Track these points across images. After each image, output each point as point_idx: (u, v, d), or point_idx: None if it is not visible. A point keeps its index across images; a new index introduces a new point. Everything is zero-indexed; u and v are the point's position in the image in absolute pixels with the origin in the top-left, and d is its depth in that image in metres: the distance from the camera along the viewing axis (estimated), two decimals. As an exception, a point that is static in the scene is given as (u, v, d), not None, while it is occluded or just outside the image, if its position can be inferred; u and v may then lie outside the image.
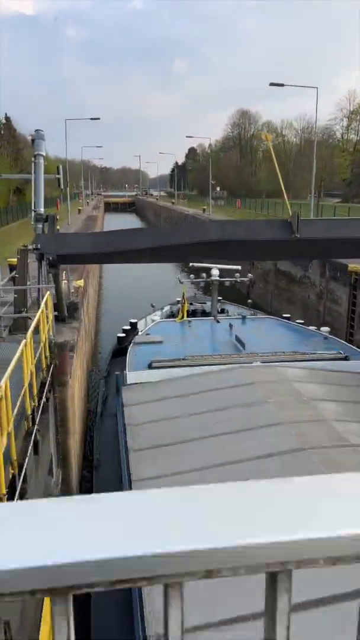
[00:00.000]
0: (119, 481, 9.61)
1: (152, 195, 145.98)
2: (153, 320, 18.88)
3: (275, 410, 10.37)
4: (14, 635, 4.49)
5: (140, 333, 17.15)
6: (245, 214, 55.98)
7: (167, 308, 20.74)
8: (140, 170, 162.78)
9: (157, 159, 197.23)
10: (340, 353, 14.73)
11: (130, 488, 8.79)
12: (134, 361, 14.29)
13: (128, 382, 13.11)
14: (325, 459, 8.42)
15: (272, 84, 30.65)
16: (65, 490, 11.11)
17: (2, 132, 68.05)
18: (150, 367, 13.65)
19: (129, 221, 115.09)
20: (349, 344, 16.69)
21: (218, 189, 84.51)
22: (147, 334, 16.84)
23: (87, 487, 13.03)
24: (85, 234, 14.68)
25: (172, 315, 19.68)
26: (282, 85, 31.43)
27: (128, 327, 18.69)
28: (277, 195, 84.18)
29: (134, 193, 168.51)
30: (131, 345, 15.82)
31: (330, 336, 16.73)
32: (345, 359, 14.42)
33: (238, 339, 15.61)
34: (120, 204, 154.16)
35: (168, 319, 19.10)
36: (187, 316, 18.51)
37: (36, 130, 13.84)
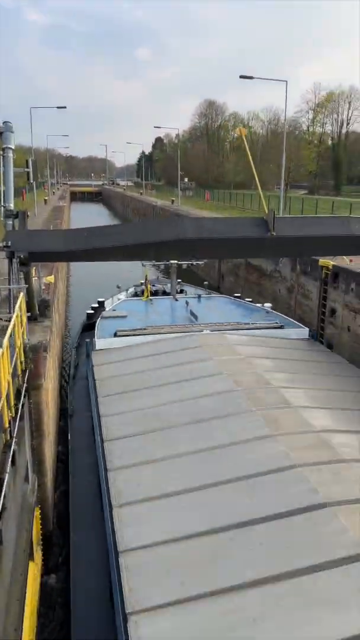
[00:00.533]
0: (91, 424, 11.97)
1: (119, 185, 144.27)
2: (119, 299, 21.05)
3: (217, 365, 12.89)
4: None
5: (107, 310, 19.23)
6: (215, 206, 55.96)
7: (131, 289, 22.78)
8: (106, 159, 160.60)
9: (123, 148, 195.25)
10: (277, 323, 17.65)
11: (100, 426, 11.04)
12: (102, 331, 16.51)
13: (96, 348, 15.41)
14: (252, 397, 11.06)
15: (242, 77, 30.48)
16: (41, 496, 10.85)
17: (-36, 118, 65.86)
18: (115, 335, 15.89)
19: (96, 211, 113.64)
20: (286, 317, 19.31)
21: (186, 179, 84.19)
22: (114, 310, 19.08)
23: (63, 490, 12.80)
24: (57, 230, 14.28)
25: (136, 295, 21.88)
26: (251, 77, 31.31)
27: (96, 305, 20.72)
28: (244, 187, 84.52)
29: (100, 182, 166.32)
30: (99, 319, 17.96)
31: (272, 311, 19.68)
32: (281, 327, 17.34)
33: (192, 313, 18.16)
34: (87, 194, 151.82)
35: (132, 298, 21.36)
36: (150, 296, 20.59)
37: (4, 123, 13.27)
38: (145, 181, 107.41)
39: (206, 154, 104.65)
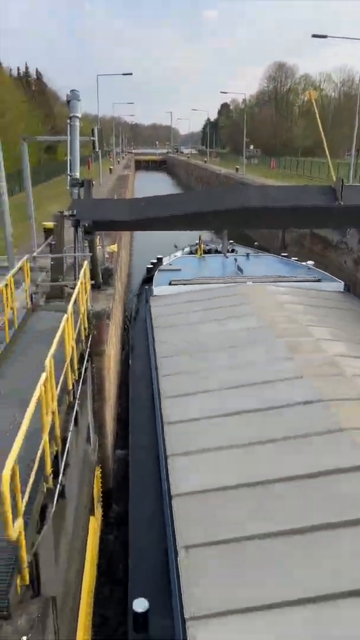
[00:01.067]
0: (147, 355, 14.21)
1: (183, 153, 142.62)
2: (175, 256, 23.69)
3: (253, 309, 14.94)
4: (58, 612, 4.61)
5: (164, 264, 22.04)
6: (281, 175, 54.26)
7: (187, 248, 24.97)
8: (171, 127, 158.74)
9: (189, 115, 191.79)
10: (315, 277, 19.51)
11: (155, 358, 12.99)
12: (158, 281, 19.18)
13: (154, 294, 17.92)
14: (289, 342, 12.34)
15: (314, 36, 28.91)
16: (102, 456, 11.34)
17: (34, 87, 66.94)
18: (170, 284, 18.47)
19: (160, 179, 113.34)
20: (325, 272, 20.88)
21: (252, 147, 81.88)
22: (170, 264, 21.88)
23: (121, 448, 13.29)
24: (121, 200, 14.41)
25: (191, 253, 24.31)
26: (325, 36, 29.64)
27: (155, 261, 23.05)
28: (312, 154, 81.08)
29: (164, 151, 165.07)
30: (157, 271, 20.72)
31: (313, 267, 21.64)
32: (318, 281, 19.09)
33: (239, 267, 20.58)
34: (151, 162, 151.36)
35: (187, 255, 23.90)
36: (203, 254, 23.25)
37: (72, 91, 13.40)
38: (210, 149, 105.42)
39: (274, 119, 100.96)
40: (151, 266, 22.88)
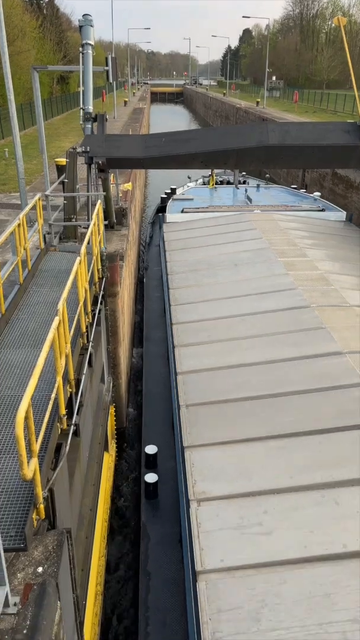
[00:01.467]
0: (160, 274, 16.39)
1: (201, 85, 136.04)
2: (188, 187, 24.95)
3: (261, 236, 16.23)
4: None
5: (177, 194, 23.34)
6: (304, 109, 51.74)
7: (200, 180, 25.91)
8: (189, 55, 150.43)
9: (208, 42, 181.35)
10: (319, 207, 20.86)
11: (167, 274, 14.65)
12: (172, 209, 20.56)
13: (167, 221, 19.29)
14: (287, 262, 13.93)
15: None
16: (116, 395, 11.60)
17: (45, 11, 63.35)
18: (182, 212, 19.78)
19: (177, 113, 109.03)
20: (330, 203, 22.34)
21: (274, 78, 77.71)
22: (183, 194, 23.28)
23: (136, 396, 13.58)
24: (136, 136, 13.86)
25: (203, 184, 25.37)
26: None
27: (169, 191, 23.90)
28: (340, 86, 76.77)
29: (182, 82, 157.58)
30: (170, 200, 22.16)
31: (319, 198, 22.71)
32: (322, 211, 20.45)
33: (248, 197, 21.83)
34: (168, 94, 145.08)
35: (200, 186, 25.09)
36: (215, 185, 24.30)
37: (84, 15, 12.57)
38: (230, 80, 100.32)
39: (298, 47, 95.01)
40: (165, 196, 23.85)
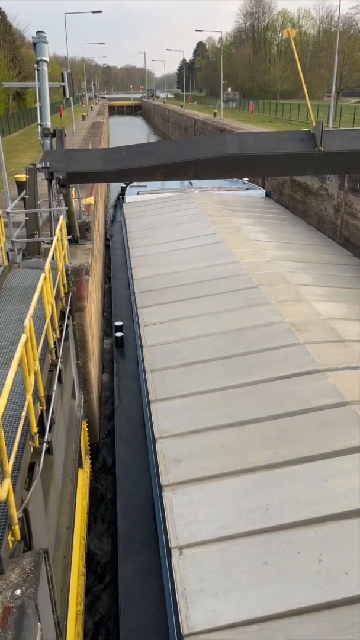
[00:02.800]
0: (122, 243, 22.13)
1: (158, 97, 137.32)
2: None
3: (197, 206, 23.93)
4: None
5: (134, 182, 29.04)
6: (259, 119, 52.84)
7: None
8: (145, 69, 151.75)
9: (163, 56, 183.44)
10: (245, 187, 29.53)
11: (127, 242, 20.65)
12: (130, 192, 28.63)
13: (126, 202, 27.33)
14: (218, 227, 20.23)
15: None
16: (88, 411, 11.49)
17: (-3, 28, 62.91)
18: (138, 194, 27.90)
19: (136, 125, 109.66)
20: (253, 184, 30.48)
21: (229, 89, 79.13)
22: (138, 182, 28.87)
23: (108, 411, 13.48)
24: (96, 150, 13.86)
25: None
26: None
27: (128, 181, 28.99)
28: (292, 96, 78.80)
29: (139, 95, 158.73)
30: (128, 187, 29.78)
31: (246, 182, 30.61)
32: (247, 190, 29.06)
33: (190, 182, 29.00)
34: (126, 107, 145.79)
35: None
36: None
37: (37, 33, 12.56)
38: (186, 92, 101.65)
39: (252, 59, 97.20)
40: (125, 185, 30.44)
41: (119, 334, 14.01)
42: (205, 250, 17.85)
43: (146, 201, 26.28)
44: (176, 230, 20.66)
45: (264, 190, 28.54)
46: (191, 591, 5.92)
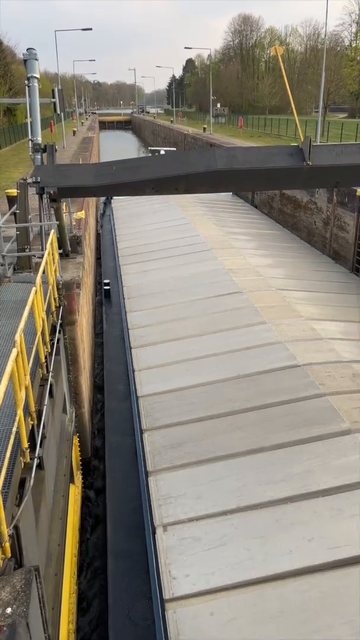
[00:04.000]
0: (111, 234, 26.69)
1: (148, 113, 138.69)
2: None
3: (178, 206, 28.98)
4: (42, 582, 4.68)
5: None
6: (249, 134, 53.51)
7: None
8: (135, 85, 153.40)
9: (153, 72, 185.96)
10: None
11: (115, 235, 25.90)
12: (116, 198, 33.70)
13: (112, 204, 33.10)
14: (193, 221, 25.49)
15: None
16: (79, 425, 11.41)
17: (-12, 45, 63.35)
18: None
19: (126, 139, 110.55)
20: None
21: (218, 105, 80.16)
22: None
23: (99, 425, 13.39)
24: (86, 165, 13.96)
25: None
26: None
27: None
28: (281, 111, 79.93)
29: (129, 111, 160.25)
30: None
31: None
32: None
33: None
34: (116, 123, 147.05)
35: None
36: None
37: (28, 50, 12.68)
38: (176, 108, 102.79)
39: (240, 75, 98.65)
40: None
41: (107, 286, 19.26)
42: (174, 233, 23.30)
43: (131, 199, 32.32)
44: (156, 218, 26.91)
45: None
46: (173, 561, 6.93)
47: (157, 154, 36.47)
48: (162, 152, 47.02)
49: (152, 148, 40.44)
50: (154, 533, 7.48)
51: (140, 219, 27.79)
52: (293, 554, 6.81)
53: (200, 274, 18.19)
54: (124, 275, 19.22)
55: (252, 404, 10.27)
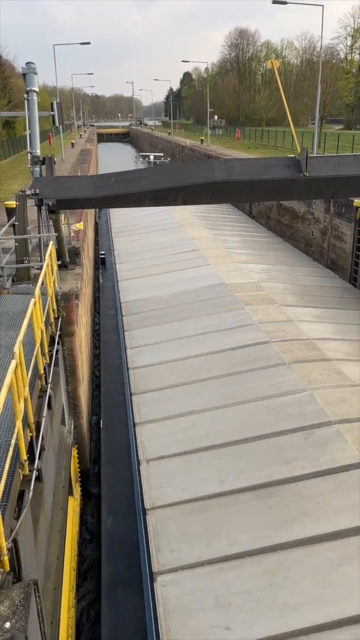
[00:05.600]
0: (108, 234, 29.76)
1: (146, 125, 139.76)
2: None
3: (173, 212, 30.13)
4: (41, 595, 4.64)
5: None
6: (245, 145, 53.92)
7: None
8: (133, 97, 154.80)
9: (151, 85, 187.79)
10: None
11: (110, 226, 30.95)
12: None
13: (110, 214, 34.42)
14: (184, 225, 27.69)
15: (275, 2, 28.41)
16: (78, 437, 11.35)
17: (-13, 59, 63.97)
18: None
19: (125, 151, 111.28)
20: None
21: (216, 117, 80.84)
22: None
23: (96, 436, 13.32)
24: (85, 177, 14.04)
25: None
26: (285, 2, 29.16)
27: None
28: (277, 123, 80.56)
29: (127, 123, 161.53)
30: None
31: None
32: None
33: None
34: (115, 135, 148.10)
35: None
36: None
37: (27, 64, 12.82)
38: (174, 120, 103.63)
39: (237, 88, 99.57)
40: None
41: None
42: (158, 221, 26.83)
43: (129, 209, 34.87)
44: (149, 218, 29.14)
45: None
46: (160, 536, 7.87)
47: (147, 158, 37.27)
48: (152, 157, 48.06)
49: (143, 153, 43.38)
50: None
51: (136, 230, 28.33)
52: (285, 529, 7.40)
53: (199, 287, 18.16)
54: (122, 291, 19.12)
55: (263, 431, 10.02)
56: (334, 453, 8.89)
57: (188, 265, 20.58)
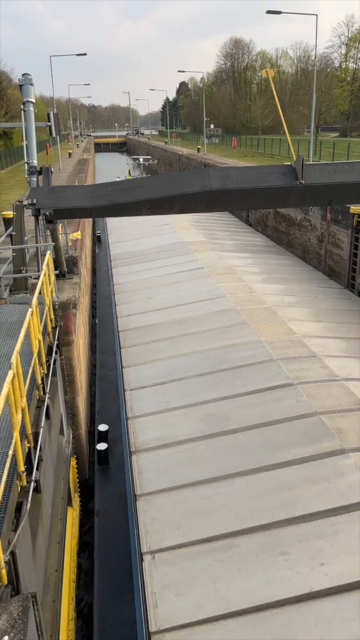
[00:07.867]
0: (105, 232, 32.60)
1: (143, 134, 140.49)
2: None
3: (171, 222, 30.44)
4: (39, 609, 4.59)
5: None
6: (242, 154, 54.20)
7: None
8: (130, 107, 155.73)
9: (147, 95, 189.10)
10: None
11: (108, 241, 29.93)
12: None
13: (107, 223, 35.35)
14: (176, 229, 28.70)
15: (269, 12, 28.69)
16: (77, 447, 11.30)
17: (-16, 71, 64.35)
18: None
19: (122, 160, 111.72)
20: None
21: (212, 126, 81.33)
22: None
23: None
24: (82, 186, 14.06)
25: None
26: (279, 12, 29.45)
27: None
28: (273, 131, 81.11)
29: (124, 133, 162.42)
30: None
31: None
32: None
33: None
34: (112, 144, 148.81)
35: None
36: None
37: (23, 75, 12.91)
38: (170, 129, 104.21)
39: (233, 97, 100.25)
40: None
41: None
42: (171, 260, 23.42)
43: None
44: (144, 218, 30.47)
45: None
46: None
47: (138, 161, 39.28)
48: (141, 160, 49.44)
49: (134, 157, 45.36)
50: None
51: (133, 240, 28.41)
52: (289, 582, 6.99)
53: (196, 294, 18.20)
54: (118, 305, 18.83)
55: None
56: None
57: (185, 277, 20.34)
